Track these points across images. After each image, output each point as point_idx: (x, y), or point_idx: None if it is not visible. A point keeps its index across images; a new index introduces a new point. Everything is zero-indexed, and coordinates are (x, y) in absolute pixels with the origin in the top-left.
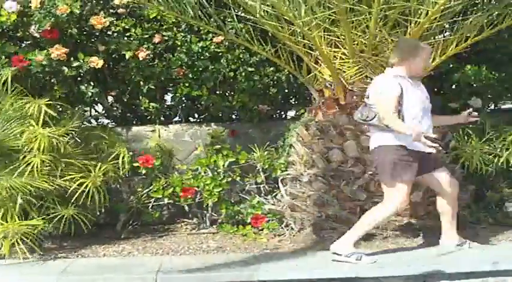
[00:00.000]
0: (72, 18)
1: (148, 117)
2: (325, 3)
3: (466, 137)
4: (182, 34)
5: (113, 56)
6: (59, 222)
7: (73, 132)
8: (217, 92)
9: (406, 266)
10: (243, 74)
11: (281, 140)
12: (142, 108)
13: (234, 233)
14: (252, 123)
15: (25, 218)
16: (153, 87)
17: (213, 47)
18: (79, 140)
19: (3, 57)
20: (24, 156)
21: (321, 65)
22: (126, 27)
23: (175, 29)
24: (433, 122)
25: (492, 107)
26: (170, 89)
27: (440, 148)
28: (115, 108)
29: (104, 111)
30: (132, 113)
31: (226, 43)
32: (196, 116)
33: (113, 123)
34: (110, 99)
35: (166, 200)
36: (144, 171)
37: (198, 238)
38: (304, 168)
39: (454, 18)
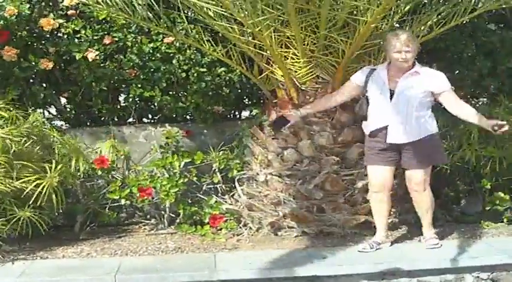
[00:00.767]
0: (21, 20)
1: (102, 119)
2: (275, 3)
3: None
4: (132, 35)
5: (64, 57)
6: (16, 224)
7: (27, 134)
8: (170, 93)
9: (365, 264)
10: (195, 74)
11: (236, 140)
12: (96, 109)
13: (192, 233)
14: (207, 124)
15: None
16: (105, 88)
17: (164, 47)
18: (33, 142)
19: None
20: None
21: (272, 65)
22: (76, 28)
23: (125, 30)
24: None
25: None
26: (123, 90)
27: None
28: (68, 110)
29: (57, 113)
30: (85, 114)
31: (177, 44)
32: (150, 116)
33: (67, 125)
34: (63, 100)
35: (123, 201)
36: (100, 173)
37: (157, 238)
38: (260, 167)
39: (404, 18)
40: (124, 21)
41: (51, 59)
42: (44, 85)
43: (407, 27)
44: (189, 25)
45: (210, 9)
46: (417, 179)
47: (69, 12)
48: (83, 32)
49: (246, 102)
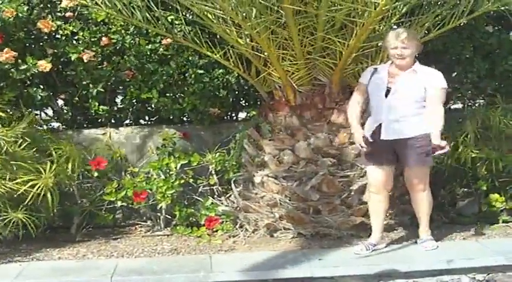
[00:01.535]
0: (19, 22)
1: (99, 120)
2: (273, 6)
3: None
4: (130, 37)
5: (62, 59)
6: (12, 226)
7: (24, 136)
8: (168, 95)
9: (361, 265)
10: (193, 76)
11: (233, 141)
12: (93, 111)
13: (188, 234)
14: (204, 126)
15: None
16: (102, 90)
17: (161, 49)
18: (30, 143)
19: None
20: None
21: (269, 67)
22: (74, 30)
23: (123, 31)
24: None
25: None
26: (120, 91)
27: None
28: (65, 112)
29: (54, 115)
30: (82, 116)
31: (175, 46)
32: (147, 118)
33: (64, 127)
34: (60, 102)
35: (119, 203)
36: (96, 174)
37: (153, 240)
38: (256, 169)
39: (402, 20)
40: (122, 23)
41: (49, 60)
42: (41, 87)
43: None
44: (187, 27)
45: (208, 11)
46: (415, 178)
47: (67, 14)
48: (81, 33)
49: (243, 104)
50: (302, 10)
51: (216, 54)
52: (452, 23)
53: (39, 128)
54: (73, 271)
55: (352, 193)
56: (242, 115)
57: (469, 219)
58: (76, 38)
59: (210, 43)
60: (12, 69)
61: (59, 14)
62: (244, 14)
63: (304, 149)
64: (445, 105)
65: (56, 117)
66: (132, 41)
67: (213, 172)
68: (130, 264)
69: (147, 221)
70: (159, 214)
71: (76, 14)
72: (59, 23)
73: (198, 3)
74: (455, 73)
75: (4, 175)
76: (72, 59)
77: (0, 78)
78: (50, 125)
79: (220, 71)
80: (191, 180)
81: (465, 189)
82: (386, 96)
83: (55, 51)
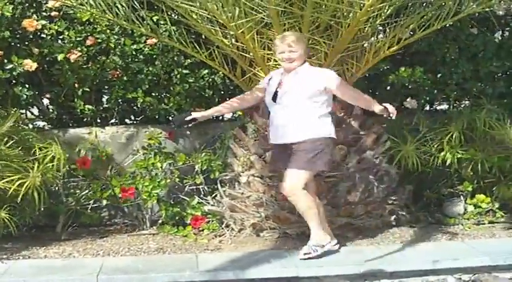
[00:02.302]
0: (4, 21)
1: (85, 119)
2: (258, 6)
3: (401, 138)
4: (116, 37)
5: (47, 58)
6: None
7: (9, 134)
8: (153, 94)
9: (346, 265)
10: (178, 76)
11: (218, 141)
12: (78, 110)
13: (174, 234)
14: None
15: None
16: (88, 89)
17: (147, 49)
18: (15, 142)
19: None
20: None
21: (255, 67)
22: (60, 30)
23: (108, 31)
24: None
25: (428, 107)
26: (105, 91)
27: None
28: (51, 111)
29: (39, 114)
30: (68, 115)
31: (161, 45)
32: (132, 118)
33: (49, 126)
34: (46, 101)
35: (105, 202)
36: (82, 173)
37: (139, 239)
38: (242, 169)
39: (387, 21)
40: (107, 23)
41: (34, 60)
42: (27, 86)
43: (390, 30)
44: (172, 27)
45: (193, 11)
46: (287, 181)
47: (53, 13)
48: (66, 33)
49: None
50: (287, 10)
51: (201, 55)
52: (438, 25)
53: (24, 127)
54: (59, 270)
55: (338, 193)
56: (228, 115)
57: (454, 220)
58: (61, 37)
59: (195, 43)
60: None
61: (44, 13)
62: (229, 14)
63: None
64: (431, 106)
65: (41, 116)
66: (117, 41)
67: (199, 172)
68: (116, 262)
69: (133, 220)
70: (144, 213)
71: (61, 13)
72: (44, 22)
73: (184, 3)
74: (440, 74)
75: None
76: (59, 58)
77: None
78: (36, 124)
79: (206, 71)
80: (177, 180)
81: (451, 190)
82: (274, 100)
83: (40, 50)
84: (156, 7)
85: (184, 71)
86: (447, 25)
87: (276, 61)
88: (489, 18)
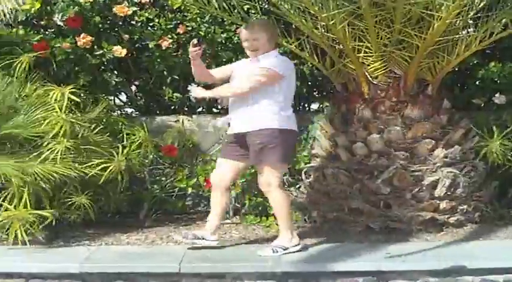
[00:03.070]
0: (96, 7)
1: (172, 107)
2: None
3: (489, 133)
4: (206, 25)
5: (136, 45)
6: (80, 209)
7: (97, 120)
8: None
9: (428, 260)
10: None
11: (305, 132)
12: (166, 98)
13: (257, 224)
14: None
15: (38, 206)
16: (176, 77)
17: (236, 38)
18: (103, 128)
19: (28, 45)
20: (48, 143)
21: (344, 58)
22: (150, 17)
23: (199, 19)
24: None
25: None
26: (194, 79)
27: None
28: (139, 98)
29: (127, 100)
30: (155, 102)
31: None
32: (219, 107)
33: (137, 113)
34: (134, 88)
35: (190, 190)
36: (167, 161)
37: (221, 228)
38: (328, 161)
39: (479, 14)
40: (198, 11)
41: (124, 46)
42: (116, 72)
43: (482, 24)
44: (263, 16)
45: (285, 1)
46: (260, 177)
47: (143, 0)
48: (157, 20)
49: (316, 95)
50: (380, 2)
51: (291, 45)
52: None
53: (112, 113)
54: (142, 257)
55: (424, 188)
56: (314, 106)
57: None
58: (151, 24)
59: (285, 33)
60: (88, 54)
61: (134, 0)
62: (320, 5)
63: (377, 142)
64: None
65: (129, 103)
66: (207, 30)
67: None
68: (199, 251)
69: None
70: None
71: (152, 0)
72: (134, 8)
73: None
74: None
75: (76, 159)
76: (150, 46)
77: (76, 63)
78: (124, 110)
79: (295, 61)
80: None
81: None
82: None
83: (130, 37)
84: None
85: None
86: None
87: (367, 53)
88: None
